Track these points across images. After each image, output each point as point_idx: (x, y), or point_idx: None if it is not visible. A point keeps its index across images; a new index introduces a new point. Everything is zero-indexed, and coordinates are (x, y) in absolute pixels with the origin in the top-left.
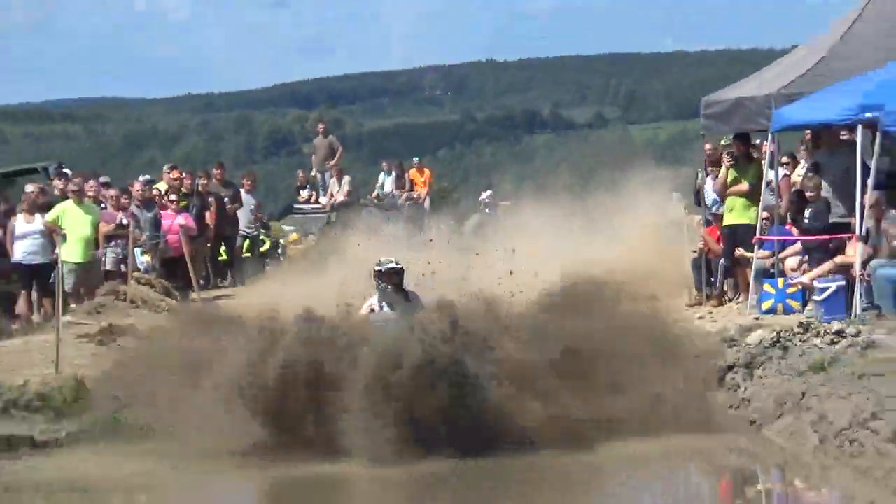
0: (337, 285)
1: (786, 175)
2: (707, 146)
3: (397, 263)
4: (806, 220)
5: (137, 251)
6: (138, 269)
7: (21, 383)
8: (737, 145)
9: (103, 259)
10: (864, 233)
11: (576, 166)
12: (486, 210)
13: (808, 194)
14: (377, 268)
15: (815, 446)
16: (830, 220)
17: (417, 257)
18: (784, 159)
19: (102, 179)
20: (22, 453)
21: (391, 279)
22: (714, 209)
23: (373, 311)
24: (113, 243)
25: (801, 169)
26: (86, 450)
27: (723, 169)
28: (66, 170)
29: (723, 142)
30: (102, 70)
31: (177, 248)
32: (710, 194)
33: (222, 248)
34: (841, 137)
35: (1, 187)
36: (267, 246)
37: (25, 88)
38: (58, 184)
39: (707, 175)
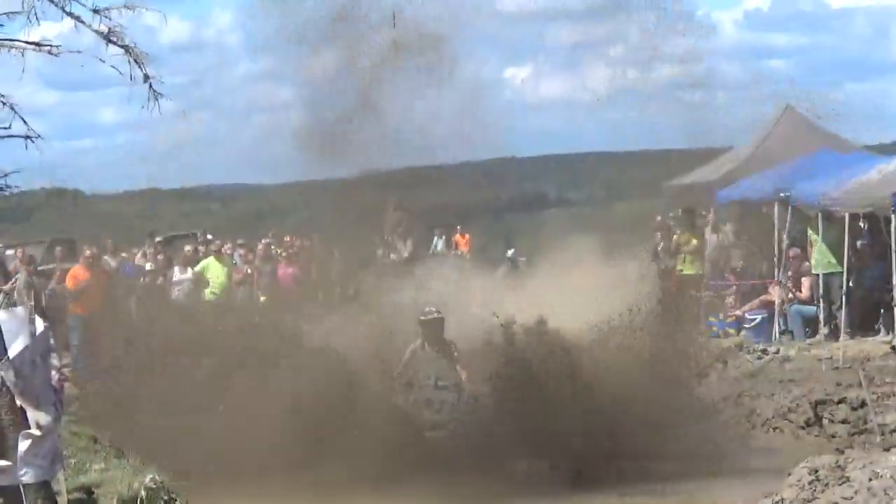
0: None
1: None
2: (658, 219)
3: (438, 313)
4: (738, 270)
5: (258, 292)
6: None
7: None
8: (685, 216)
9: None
10: (780, 279)
11: (575, 232)
12: (510, 263)
13: (741, 252)
14: (422, 317)
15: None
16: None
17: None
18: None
19: (239, 241)
20: None
21: (433, 326)
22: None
23: (414, 352)
24: (242, 287)
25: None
26: None
27: (676, 235)
28: (209, 235)
29: (671, 215)
30: (235, 160)
31: (286, 291)
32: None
33: (320, 293)
34: (763, 210)
35: (164, 247)
36: (353, 291)
37: (174, 174)
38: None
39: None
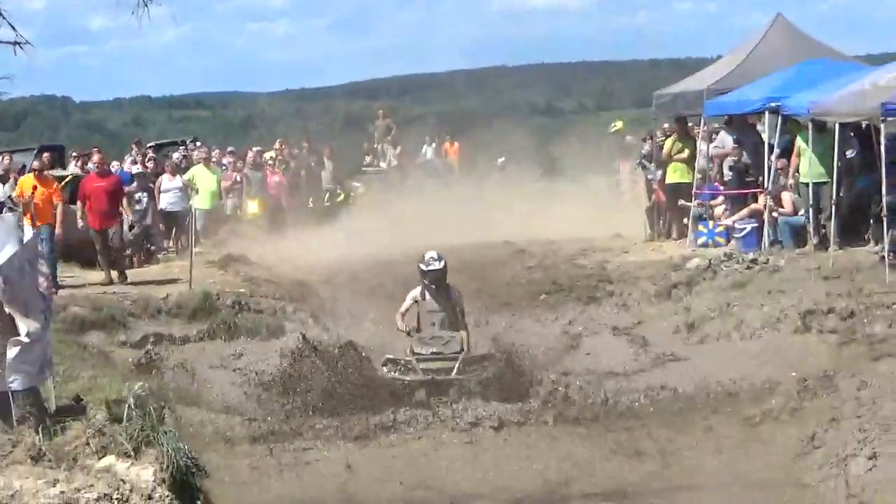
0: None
1: (716, 147)
2: (659, 133)
3: (439, 260)
4: (727, 178)
5: (249, 201)
6: (248, 214)
7: (164, 296)
8: (679, 125)
9: (225, 206)
10: (769, 188)
11: (564, 142)
12: (500, 172)
13: (731, 160)
14: (422, 267)
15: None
16: (746, 180)
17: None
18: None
19: (230, 149)
20: (165, 346)
21: (435, 276)
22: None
23: (416, 301)
24: (231, 195)
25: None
26: (209, 343)
27: (668, 141)
28: (198, 142)
29: (664, 125)
30: (225, 68)
31: (276, 198)
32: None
33: (310, 199)
34: (749, 121)
35: (154, 155)
36: (342, 197)
37: (167, 83)
38: (199, 153)
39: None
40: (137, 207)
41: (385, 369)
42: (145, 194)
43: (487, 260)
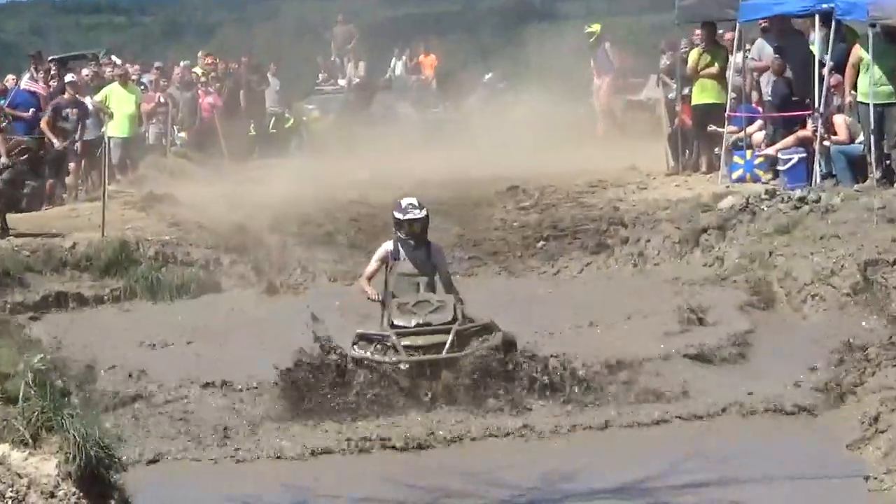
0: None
1: (752, 59)
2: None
3: (420, 208)
4: (767, 97)
5: (175, 128)
6: (176, 144)
7: (70, 245)
8: (706, 32)
9: (146, 134)
10: (820, 111)
11: (566, 52)
12: (487, 90)
13: (773, 73)
14: (397, 215)
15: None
16: (792, 100)
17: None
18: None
19: (157, 64)
20: (71, 308)
21: (412, 229)
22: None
23: (385, 262)
24: (154, 120)
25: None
26: (127, 304)
27: (694, 53)
28: (113, 56)
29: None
30: None
31: (210, 124)
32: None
33: (251, 125)
34: (794, 27)
35: (56, 71)
36: (291, 123)
37: None
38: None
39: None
40: (66, 125)
41: (356, 349)
42: (75, 110)
43: (471, 199)
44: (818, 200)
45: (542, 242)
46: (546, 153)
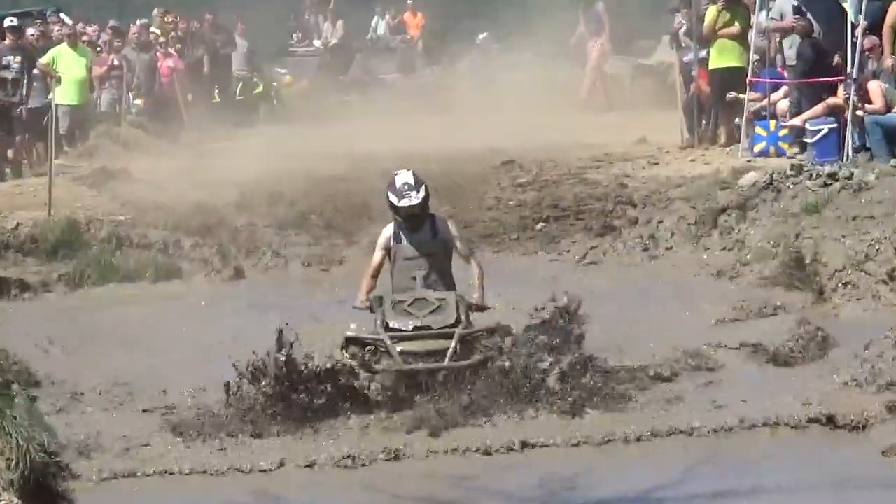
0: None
1: (773, 18)
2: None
3: (418, 189)
4: (791, 63)
5: (131, 94)
6: (132, 112)
7: (13, 226)
8: None
9: (98, 101)
10: (854, 77)
11: (571, 11)
12: (480, 53)
13: (798, 34)
14: (392, 199)
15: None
16: (822, 65)
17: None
18: None
19: (112, 23)
20: (13, 296)
21: (409, 212)
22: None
23: (388, 249)
24: (107, 86)
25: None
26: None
27: (711, 10)
28: (61, 14)
29: None
30: None
31: (170, 90)
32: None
33: (215, 91)
34: None
35: None
36: (261, 89)
37: None
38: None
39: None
40: (6, 75)
41: (346, 355)
42: (18, 57)
43: (463, 175)
44: (850, 177)
45: (541, 224)
46: (546, 124)
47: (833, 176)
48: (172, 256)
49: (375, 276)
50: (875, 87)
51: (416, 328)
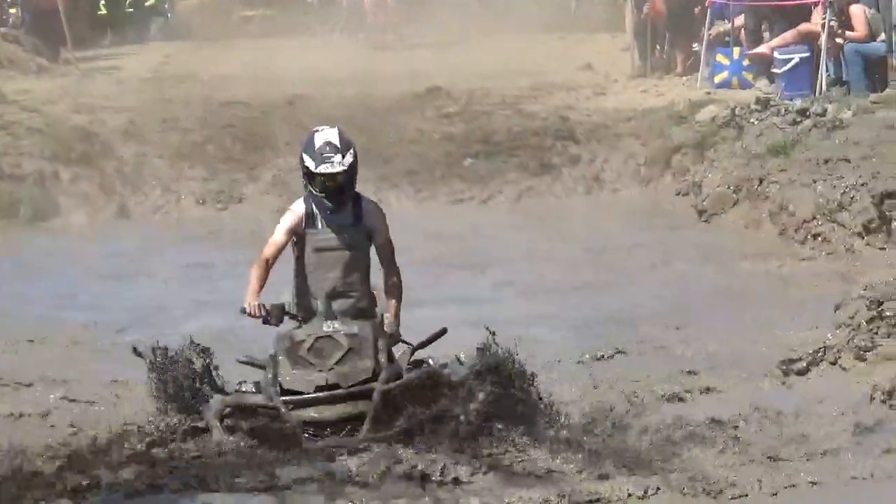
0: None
1: None
2: None
3: (344, 151)
4: None
5: (5, 4)
6: (7, 25)
7: None
8: None
9: None
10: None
11: None
12: None
13: None
14: (307, 162)
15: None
16: None
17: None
18: None
19: None
20: None
21: (331, 184)
22: None
23: (294, 231)
24: None
25: None
26: None
27: None
28: None
29: None
30: None
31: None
32: None
33: (101, 2)
34: None
35: None
36: (153, 1)
37: None
38: None
39: None
40: None
41: (221, 427)
42: None
43: (381, 102)
44: (823, 113)
45: (469, 160)
46: (478, 46)
47: (804, 112)
48: (49, 191)
49: (271, 264)
50: (858, 12)
51: (318, 388)
